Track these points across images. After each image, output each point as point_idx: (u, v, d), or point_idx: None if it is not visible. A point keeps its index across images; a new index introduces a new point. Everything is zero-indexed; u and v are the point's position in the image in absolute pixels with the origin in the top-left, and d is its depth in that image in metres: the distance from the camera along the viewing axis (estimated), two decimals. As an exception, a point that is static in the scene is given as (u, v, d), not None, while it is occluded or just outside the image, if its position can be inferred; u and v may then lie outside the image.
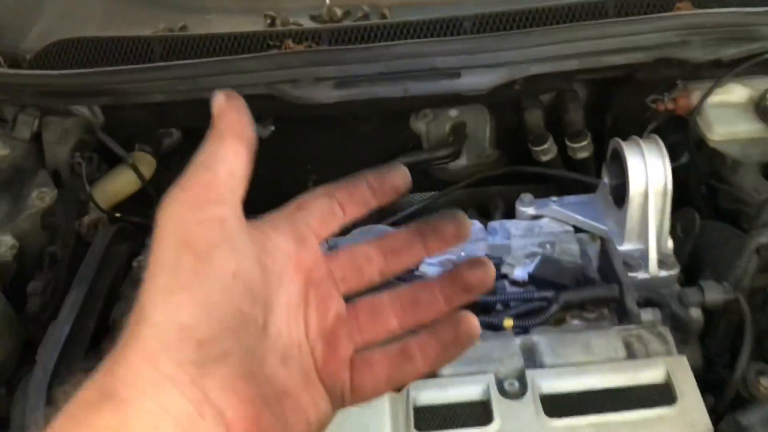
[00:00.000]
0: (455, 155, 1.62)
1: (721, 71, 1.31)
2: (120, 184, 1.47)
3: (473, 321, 0.51)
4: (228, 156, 0.46)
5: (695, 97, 1.32)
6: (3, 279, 1.20)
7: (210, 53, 1.24)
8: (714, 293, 1.07)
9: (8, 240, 1.21)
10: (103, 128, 1.42)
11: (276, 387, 0.45)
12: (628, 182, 1.16)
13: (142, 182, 1.48)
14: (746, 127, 1.27)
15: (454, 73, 1.18)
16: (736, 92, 1.31)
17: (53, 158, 1.34)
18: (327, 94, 1.19)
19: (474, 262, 0.51)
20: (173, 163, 1.63)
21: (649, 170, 1.15)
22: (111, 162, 1.51)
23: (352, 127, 1.53)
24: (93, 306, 1.18)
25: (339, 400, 0.50)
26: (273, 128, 1.48)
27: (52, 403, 1.05)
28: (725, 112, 1.30)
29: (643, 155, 1.16)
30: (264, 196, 1.72)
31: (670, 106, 1.32)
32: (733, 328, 1.09)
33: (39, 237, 1.32)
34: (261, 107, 1.32)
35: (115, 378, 0.40)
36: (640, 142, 1.17)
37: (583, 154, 1.54)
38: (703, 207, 1.37)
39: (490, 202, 1.57)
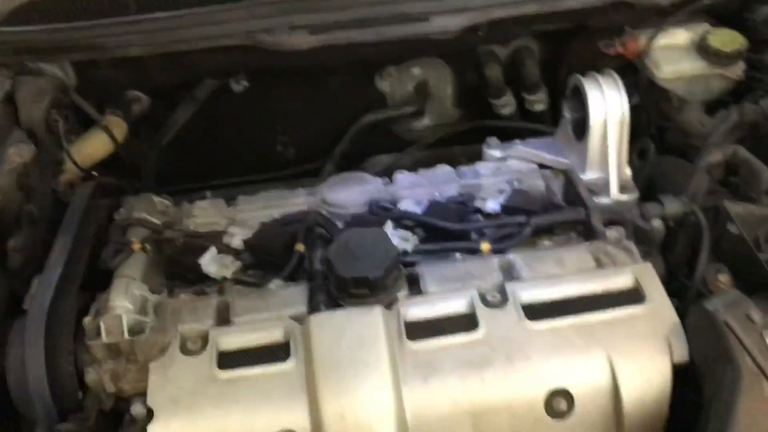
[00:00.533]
0: (419, 113, 1.69)
1: (662, 18, 1.42)
2: (94, 146, 1.48)
3: None
4: None
5: (643, 41, 1.42)
6: (-16, 230, 1.20)
7: (185, 5, 1.28)
8: (673, 205, 1.16)
9: (-13, 193, 1.22)
10: (77, 90, 1.43)
11: None
12: (588, 114, 1.25)
13: (115, 144, 1.50)
14: (690, 65, 1.38)
15: (423, 18, 1.25)
16: (680, 36, 1.42)
17: (29, 117, 1.35)
18: (302, 40, 1.24)
19: None
20: (142, 130, 1.66)
21: (607, 101, 1.25)
22: (84, 127, 1.52)
23: (321, 81, 1.58)
24: (81, 252, 1.20)
25: None
26: (246, 84, 1.52)
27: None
28: (671, 54, 1.41)
29: (601, 88, 1.25)
30: (239, 155, 1.75)
31: (620, 49, 1.42)
32: (690, 241, 1.18)
33: (16, 196, 1.32)
34: (236, 61, 1.36)
35: None
36: (598, 76, 1.27)
37: (539, 107, 1.63)
38: (655, 145, 1.47)
39: (455, 161, 1.64)
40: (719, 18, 1.48)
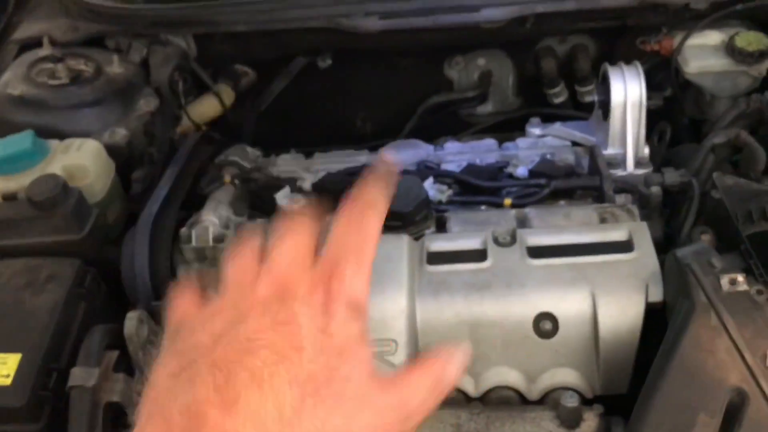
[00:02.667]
0: (482, 98, 1.92)
1: (699, 20, 1.58)
2: (205, 107, 1.82)
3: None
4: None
5: (677, 40, 1.59)
6: (117, 159, 1.54)
7: (282, -8, 1.58)
8: (672, 176, 1.33)
9: (122, 131, 1.56)
10: (195, 60, 1.77)
11: None
12: (610, 96, 1.44)
13: (223, 109, 1.83)
14: (716, 62, 1.53)
15: (475, 9, 1.49)
16: (712, 37, 1.58)
17: (157, 77, 1.69)
18: (373, 24, 1.52)
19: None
20: (247, 101, 1.98)
21: (627, 86, 1.43)
22: (199, 93, 1.86)
23: (394, 64, 1.85)
24: (184, 180, 1.51)
25: None
26: (330, 62, 1.82)
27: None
28: (701, 51, 1.57)
29: (623, 75, 1.44)
30: (323, 126, 2.04)
31: (656, 47, 1.60)
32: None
33: (142, 139, 1.66)
34: (321, 40, 1.65)
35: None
36: (622, 65, 1.46)
37: (590, 98, 1.81)
38: (686, 135, 1.64)
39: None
40: (757, 23, 1.62)
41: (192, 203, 1.48)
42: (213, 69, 1.85)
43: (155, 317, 1.33)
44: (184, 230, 1.38)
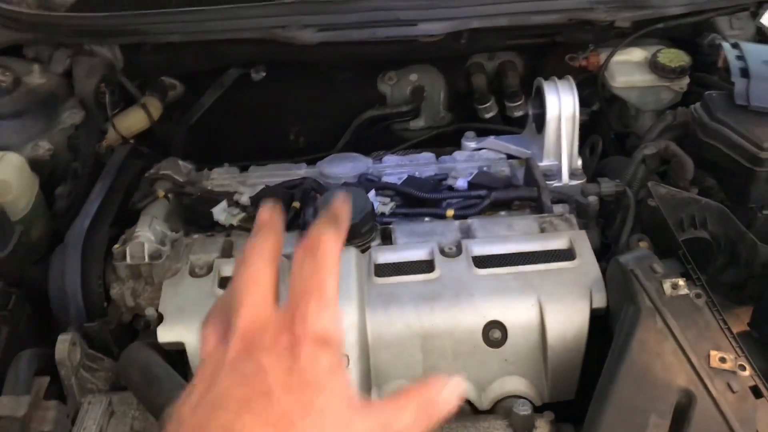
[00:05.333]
0: (415, 113, 1.93)
1: (624, 38, 1.65)
2: (132, 120, 1.75)
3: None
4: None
5: (603, 56, 1.66)
6: (41, 173, 1.45)
7: (215, 2, 1.54)
8: (608, 186, 1.38)
9: (45, 144, 1.48)
10: (122, 71, 1.70)
11: None
12: (545, 109, 1.48)
13: (150, 121, 1.76)
14: (641, 77, 1.61)
15: (412, 23, 1.50)
16: (636, 53, 1.65)
17: (81, 89, 1.61)
18: (311, 36, 1.50)
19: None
20: (175, 115, 1.92)
21: (561, 100, 1.47)
22: (126, 105, 1.79)
23: (329, 77, 1.83)
24: (114, 196, 1.45)
25: None
26: (264, 74, 1.79)
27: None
28: (626, 67, 1.64)
29: (557, 89, 1.49)
30: (255, 140, 2.00)
31: (584, 62, 1.66)
32: (624, 218, 1.39)
33: (66, 153, 1.57)
34: (256, 51, 1.62)
35: None
36: (556, 79, 1.50)
37: (518, 113, 1.86)
38: (612, 148, 1.70)
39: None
40: (675, 41, 1.71)
41: (123, 219, 1.41)
42: (140, 81, 1.78)
43: (88, 340, 1.26)
44: (117, 247, 1.32)
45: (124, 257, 1.30)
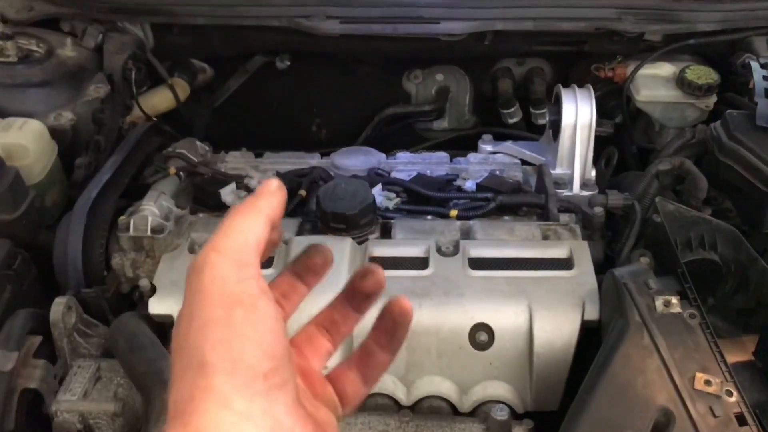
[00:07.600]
0: (439, 113, 1.92)
1: (653, 52, 1.61)
2: (158, 99, 1.78)
3: (403, 303, 0.57)
4: (259, 229, 0.51)
5: (630, 68, 1.62)
6: (61, 142, 1.50)
7: (245, -12, 1.57)
8: (616, 198, 1.35)
9: (68, 114, 1.52)
10: (152, 51, 1.74)
11: (308, 409, 0.52)
12: (561, 116, 1.46)
13: (177, 102, 1.80)
14: (666, 93, 1.57)
15: (434, 20, 1.49)
16: (665, 68, 1.61)
17: (110, 65, 1.66)
18: (333, 27, 1.51)
19: (363, 273, 0.57)
20: (203, 97, 1.96)
21: (579, 107, 1.45)
22: (153, 84, 1.83)
23: (353, 70, 1.84)
24: (128, 169, 1.48)
25: (337, 412, 0.57)
26: (288, 63, 1.81)
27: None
28: (652, 81, 1.60)
29: (576, 95, 1.46)
30: (277, 128, 2.02)
31: (610, 73, 1.63)
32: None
33: (89, 126, 1.62)
34: (280, 40, 1.64)
35: (197, 428, 0.44)
36: (575, 87, 1.48)
37: (543, 120, 1.83)
38: (633, 163, 1.66)
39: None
40: (709, 59, 1.66)
41: (135, 192, 1.44)
42: (170, 62, 1.82)
43: (85, 305, 1.29)
44: (122, 218, 1.34)
45: (127, 228, 1.33)
